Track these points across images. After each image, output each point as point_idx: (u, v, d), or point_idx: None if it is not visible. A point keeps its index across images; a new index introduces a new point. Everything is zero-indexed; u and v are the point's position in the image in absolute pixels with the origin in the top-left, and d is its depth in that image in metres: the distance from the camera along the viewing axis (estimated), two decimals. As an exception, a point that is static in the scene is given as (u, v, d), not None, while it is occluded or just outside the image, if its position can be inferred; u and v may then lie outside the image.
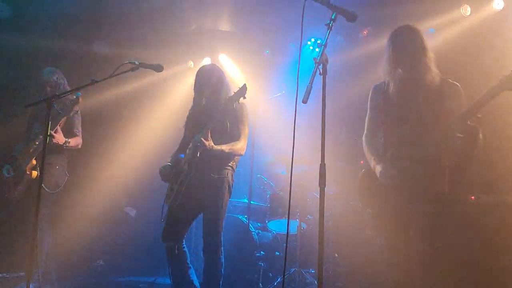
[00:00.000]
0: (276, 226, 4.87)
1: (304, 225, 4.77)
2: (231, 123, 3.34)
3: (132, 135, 6.07)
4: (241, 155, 3.39)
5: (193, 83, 3.52)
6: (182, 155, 3.41)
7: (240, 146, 3.32)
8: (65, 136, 3.97)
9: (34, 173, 3.96)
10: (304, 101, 1.88)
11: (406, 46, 2.65)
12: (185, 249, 3.37)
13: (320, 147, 1.99)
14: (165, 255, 3.33)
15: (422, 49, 2.65)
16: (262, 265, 4.51)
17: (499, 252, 3.58)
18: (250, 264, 4.53)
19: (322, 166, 1.94)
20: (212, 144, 3.16)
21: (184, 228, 3.39)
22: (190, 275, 3.33)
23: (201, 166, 3.21)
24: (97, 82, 3.06)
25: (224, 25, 6.10)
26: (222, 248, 3.28)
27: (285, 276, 4.35)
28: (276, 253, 4.72)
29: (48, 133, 2.81)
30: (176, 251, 3.28)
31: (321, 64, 2.01)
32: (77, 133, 4.14)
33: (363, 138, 2.92)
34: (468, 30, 4.67)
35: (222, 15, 5.68)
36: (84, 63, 5.78)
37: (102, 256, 5.49)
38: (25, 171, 3.95)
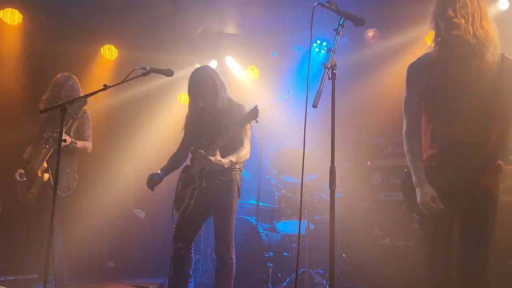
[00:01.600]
0: (284, 227, 4.91)
1: (312, 226, 4.81)
2: (231, 128, 3.29)
3: (140, 137, 6.15)
4: (247, 158, 3.40)
5: (188, 89, 3.46)
6: (182, 161, 3.52)
7: (246, 151, 3.34)
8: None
9: (46, 176, 4.05)
10: (315, 106, 1.92)
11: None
12: (192, 254, 3.40)
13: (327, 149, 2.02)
14: (173, 255, 3.33)
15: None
16: (271, 265, 4.55)
17: (506, 250, 3.61)
18: (259, 264, 4.58)
19: (332, 169, 1.98)
20: (220, 158, 3.15)
21: (195, 231, 3.43)
22: (188, 285, 3.33)
23: (209, 175, 3.24)
24: (109, 87, 3.12)
25: (230, 28, 6.16)
26: (233, 248, 3.31)
27: (294, 277, 4.39)
28: (285, 253, 4.77)
29: (63, 139, 2.86)
30: (183, 252, 3.30)
31: (330, 69, 2.04)
32: (87, 138, 4.25)
33: (403, 134, 2.43)
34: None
35: (228, 18, 5.73)
36: (93, 67, 5.88)
37: (112, 258, 5.57)
38: (37, 174, 4.04)
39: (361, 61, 5.48)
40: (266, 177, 5.32)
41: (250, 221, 4.81)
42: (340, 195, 4.84)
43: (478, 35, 2.18)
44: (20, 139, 5.01)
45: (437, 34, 2.31)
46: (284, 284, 4.42)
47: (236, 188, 3.40)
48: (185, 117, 3.61)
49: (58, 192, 3.85)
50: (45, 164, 4.05)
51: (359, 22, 2.26)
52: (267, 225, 5.04)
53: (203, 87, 3.37)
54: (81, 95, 4.06)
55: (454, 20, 2.17)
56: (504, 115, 2.21)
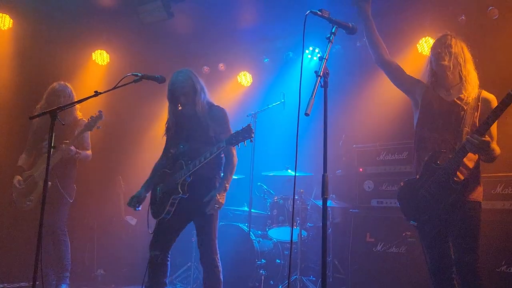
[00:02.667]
0: (276, 234, 4.89)
1: (304, 233, 4.80)
2: (217, 133, 3.31)
3: (131, 144, 6.12)
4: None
5: (167, 95, 3.41)
6: (161, 167, 3.45)
7: (235, 158, 3.34)
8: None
9: (49, 184, 3.92)
10: (307, 114, 1.91)
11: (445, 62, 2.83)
12: (168, 262, 3.35)
13: (318, 154, 2.01)
14: (149, 262, 3.29)
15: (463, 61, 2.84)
16: (263, 273, 4.53)
17: (499, 256, 3.63)
18: (251, 272, 4.55)
19: (325, 178, 1.97)
20: (223, 194, 3.20)
21: (173, 239, 3.37)
22: None
23: (192, 188, 3.21)
24: (100, 94, 3.09)
25: (223, 34, 6.15)
26: (218, 255, 3.27)
27: (286, 284, 4.37)
28: (277, 261, 4.75)
29: (52, 145, 2.82)
30: (160, 260, 3.26)
31: (323, 78, 2.04)
32: (87, 147, 4.35)
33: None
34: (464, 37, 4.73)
35: (220, 24, 5.72)
36: (84, 72, 5.85)
37: (103, 265, 5.50)
38: (38, 182, 4.13)
39: (353, 67, 5.50)
40: (259, 183, 5.31)
41: (242, 228, 4.79)
42: (332, 202, 4.84)
43: (460, 73, 2.84)
44: (10, 144, 4.97)
45: (430, 67, 2.95)
46: (276, 291, 4.40)
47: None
48: (165, 123, 3.54)
49: (67, 198, 4.16)
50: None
51: (351, 31, 2.27)
52: (259, 232, 5.02)
53: (183, 90, 3.33)
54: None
55: (441, 54, 2.83)
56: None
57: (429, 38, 5.00)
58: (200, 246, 3.28)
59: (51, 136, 2.88)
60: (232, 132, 3.25)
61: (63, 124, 3.37)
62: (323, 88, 2.06)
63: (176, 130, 3.44)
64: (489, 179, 3.84)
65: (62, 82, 4.36)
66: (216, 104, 3.43)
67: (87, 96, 3.07)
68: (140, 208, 3.46)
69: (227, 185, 3.25)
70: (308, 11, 2.13)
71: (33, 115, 3.04)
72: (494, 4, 4.55)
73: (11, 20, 5.07)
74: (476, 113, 2.77)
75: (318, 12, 2.16)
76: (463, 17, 4.75)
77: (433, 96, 2.90)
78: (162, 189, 3.36)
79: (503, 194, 3.80)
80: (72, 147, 4.11)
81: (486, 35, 4.60)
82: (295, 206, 4.70)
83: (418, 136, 2.94)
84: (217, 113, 3.35)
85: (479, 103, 2.78)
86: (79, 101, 3.12)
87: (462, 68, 2.83)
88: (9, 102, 5.09)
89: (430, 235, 2.82)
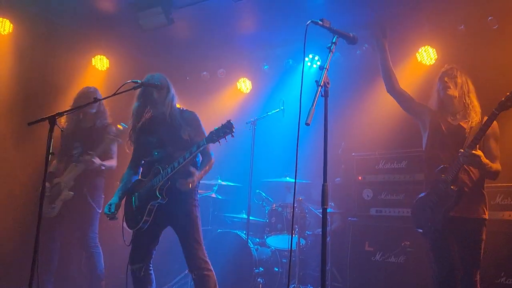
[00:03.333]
0: (275, 242, 4.87)
1: (303, 241, 4.78)
2: (191, 136, 3.23)
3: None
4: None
5: (137, 96, 3.33)
6: (135, 177, 3.35)
7: (212, 159, 3.28)
8: (100, 158, 4.21)
9: (69, 194, 4.15)
10: (307, 124, 1.91)
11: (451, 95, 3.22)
12: (151, 271, 3.26)
13: (316, 162, 2.00)
14: (131, 279, 3.19)
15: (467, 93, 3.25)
16: (261, 281, 4.50)
17: (498, 267, 3.61)
18: (249, 280, 4.52)
19: (325, 188, 1.96)
20: (196, 176, 3.09)
21: (153, 248, 3.28)
22: None
23: (169, 193, 3.14)
24: (99, 100, 3.09)
25: (222, 40, 6.16)
26: (207, 259, 3.13)
27: (284, 293, 4.35)
28: (275, 269, 4.72)
29: (50, 151, 2.80)
30: (142, 273, 3.16)
31: (323, 87, 2.04)
32: (113, 156, 4.36)
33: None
34: (464, 46, 4.75)
35: (220, 31, 5.73)
36: (84, 77, 5.83)
37: (89, 277, 5.44)
38: (63, 190, 4.17)
39: (353, 76, 5.50)
40: (257, 191, 5.29)
41: (240, 236, 4.76)
42: (331, 210, 4.82)
43: (464, 101, 3.21)
44: (8, 149, 4.95)
45: (438, 95, 3.31)
46: (274, 300, 4.37)
47: (196, 199, 3.29)
48: (129, 133, 3.43)
49: (96, 209, 4.22)
50: (72, 183, 4.17)
51: (352, 41, 2.27)
52: (257, 239, 4.99)
53: (156, 86, 3.21)
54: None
55: (448, 84, 3.22)
56: None
57: (429, 47, 5.01)
58: (188, 254, 3.13)
59: (50, 141, 2.86)
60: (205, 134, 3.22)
61: (62, 130, 3.38)
62: (323, 98, 2.05)
63: (146, 138, 3.33)
64: (488, 189, 3.80)
65: (91, 86, 4.37)
66: (185, 108, 3.38)
67: (86, 103, 3.08)
68: (117, 218, 3.31)
69: (201, 173, 3.15)
70: (309, 21, 2.13)
71: (32, 121, 3.01)
72: (493, 14, 4.57)
73: (11, 25, 5.06)
74: (477, 136, 3.01)
75: (319, 22, 2.16)
76: (462, 27, 4.76)
77: (441, 120, 3.24)
78: (139, 197, 3.24)
79: (502, 204, 3.80)
80: (96, 159, 4.15)
81: (486, 45, 4.62)
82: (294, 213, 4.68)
83: (428, 155, 3.25)
84: (189, 116, 3.29)
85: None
86: (79, 108, 3.11)
87: (466, 97, 3.20)
88: (9, 107, 5.07)
89: (436, 244, 3.10)
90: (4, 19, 5.02)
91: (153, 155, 3.27)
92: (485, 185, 3.23)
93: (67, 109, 3.39)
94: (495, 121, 3.01)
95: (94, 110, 4.31)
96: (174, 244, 3.34)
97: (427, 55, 5.03)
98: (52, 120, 2.86)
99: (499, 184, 3.82)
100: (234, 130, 2.88)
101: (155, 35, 5.51)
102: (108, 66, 5.91)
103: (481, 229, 3.04)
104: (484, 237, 3.03)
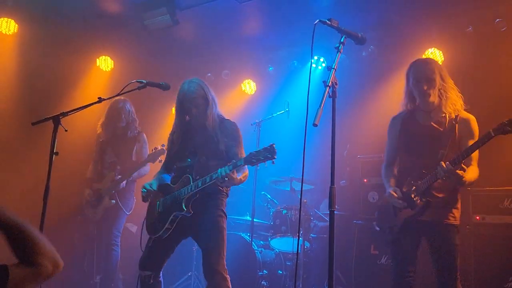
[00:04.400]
0: (279, 244, 4.83)
1: (307, 244, 4.73)
2: (228, 146, 3.07)
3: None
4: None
5: (176, 106, 3.22)
6: (167, 179, 3.20)
7: (247, 172, 3.07)
8: (135, 161, 4.57)
9: (111, 202, 4.45)
10: (315, 125, 1.87)
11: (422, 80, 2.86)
12: (161, 279, 3.13)
13: (321, 164, 1.97)
14: (139, 284, 3.08)
15: (438, 80, 2.87)
16: (265, 284, 4.46)
17: (506, 272, 3.56)
18: (252, 283, 4.48)
19: (332, 190, 1.93)
20: (235, 175, 2.86)
21: (166, 258, 3.13)
22: None
23: (196, 205, 2.97)
24: (103, 100, 3.07)
25: (227, 42, 6.14)
26: (226, 275, 2.95)
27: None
28: (279, 272, 4.68)
29: (55, 151, 2.78)
30: (151, 280, 3.02)
31: (331, 87, 2.01)
32: (147, 164, 4.56)
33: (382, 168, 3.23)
34: (471, 49, 4.70)
35: (225, 32, 5.72)
36: (88, 78, 5.83)
37: (101, 272, 5.43)
38: (104, 197, 4.48)
39: (359, 77, 5.47)
40: (262, 192, 5.25)
41: (244, 238, 4.72)
42: (336, 212, 4.77)
43: (441, 97, 2.86)
44: (11, 149, 4.94)
45: (408, 91, 3.00)
46: (278, 303, 4.33)
47: (223, 209, 3.12)
48: (169, 135, 3.34)
49: (124, 210, 4.50)
50: (113, 191, 4.47)
51: (360, 41, 2.24)
52: (261, 242, 4.96)
53: (195, 101, 3.09)
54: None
55: (427, 91, 2.83)
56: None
57: (435, 49, 4.97)
58: (206, 264, 2.93)
59: (54, 141, 2.84)
60: (243, 146, 3.13)
61: (66, 130, 3.34)
62: (331, 98, 2.02)
63: (182, 143, 3.21)
64: (496, 193, 3.79)
65: (122, 98, 4.41)
66: (227, 118, 3.23)
67: (90, 102, 3.06)
68: (147, 200, 3.21)
69: (238, 178, 2.92)
70: (317, 20, 2.09)
71: (36, 121, 2.99)
72: (502, 16, 4.53)
73: (16, 25, 5.07)
74: (453, 134, 2.82)
75: (327, 21, 2.13)
76: (470, 29, 4.72)
77: (410, 123, 2.99)
78: (163, 204, 3.12)
79: (509, 208, 3.74)
80: (123, 183, 4.45)
81: (494, 47, 4.58)
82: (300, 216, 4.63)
83: (400, 161, 3.09)
84: (229, 127, 3.13)
85: (456, 124, 2.82)
86: (83, 107, 3.08)
87: (443, 94, 2.85)
88: (14, 107, 5.07)
89: (393, 244, 3.00)
90: (9, 20, 5.03)
91: (186, 161, 3.13)
92: (468, 188, 3.24)
93: (71, 109, 3.38)
94: (472, 117, 2.85)
95: (123, 124, 4.58)
96: (178, 245, 3.29)
97: (433, 57, 4.98)
98: (56, 120, 2.86)
99: (507, 188, 3.78)
100: (275, 156, 2.67)
101: (160, 36, 5.50)
102: (112, 67, 5.90)
103: (452, 235, 2.81)
104: (457, 242, 2.80)
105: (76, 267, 5.11)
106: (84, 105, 3.07)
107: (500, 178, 3.87)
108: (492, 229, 3.71)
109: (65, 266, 4.83)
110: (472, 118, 2.86)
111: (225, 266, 2.96)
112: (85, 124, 4.58)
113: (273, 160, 2.68)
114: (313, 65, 5.84)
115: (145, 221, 3.20)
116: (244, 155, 3.07)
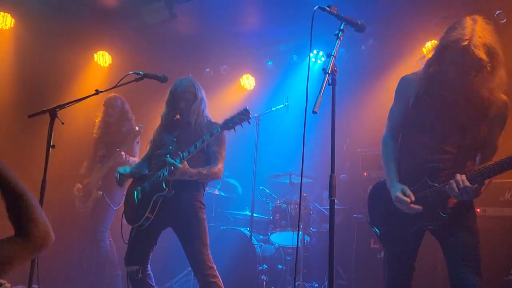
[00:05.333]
0: (279, 239, 4.80)
1: (307, 238, 4.71)
2: (210, 143, 3.07)
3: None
4: (218, 178, 3.17)
5: (166, 98, 3.32)
6: (146, 171, 3.23)
7: (218, 169, 3.10)
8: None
9: (99, 194, 4.45)
10: (315, 112, 1.84)
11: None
12: (149, 272, 3.14)
13: (320, 159, 1.95)
14: (129, 282, 3.07)
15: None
16: (265, 278, 4.44)
17: (507, 265, 3.55)
18: (252, 277, 4.46)
19: (332, 178, 1.90)
20: (188, 167, 2.91)
21: (151, 248, 3.15)
22: None
23: (176, 184, 3.00)
24: (100, 92, 3.04)
25: (226, 36, 6.11)
26: (212, 264, 2.99)
27: (288, 290, 4.29)
28: (279, 266, 4.66)
29: (51, 144, 2.76)
30: (140, 275, 3.03)
31: (331, 75, 1.97)
32: (135, 155, 4.59)
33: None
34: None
35: (224, 27, 5.68)
36: (86, 73, 5.80)
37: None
38: (92, 190, 4.48)
39: (358, 70, 5.44)
40: (261, 187, 5.23)
41: (244, 233, 4.70)
42: (336, 206, 4.75)
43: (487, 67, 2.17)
44: (9, 144, 4.91)
45: (442, 55, 2.29)
46: (278, 297, 4.31)
47: (202, 201, 3.15)
48: (154, 130, 3.40)
49: (111, 205, 4.46)
50: (99, 182, 4.47)
51: (360, 28, 2.21)
52: (261, 236, 4.93)
53: (184, 95, 3.22)
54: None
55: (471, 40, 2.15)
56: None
57: (435, 41, 4.92)
58: (190, 256, 2.99)
59: (50, 135, 2.82)
60: (225, 147, 3.16)
61: (63, 123, 3.32)
62: (331, 86, 1.99)
63: (164, 134, 3.28)
64: (497, 185, 3.76)
65: (113, 94, 4.64)
66: (214, 121, 3.26)
67: (87, 95, 3.03)
68: (121, 185, 3.32)
69: (192, 171, 2.94)
70: (317, 7, 2.07)
71: (32, 113, 2.96)
72: (501, 8, 4.50)
73: (13, 20, 5.03)
74: (484, 121, 2.25)
75: (327, 8, 2.10)
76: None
77: (428, 91, 2.31)
78: (142, 191, 3.13)
79: (510, 200, 3.72)
80: (123, 153, 4.42)
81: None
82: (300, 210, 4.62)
83: (405, 136, 2.47)
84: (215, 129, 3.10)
85: (493, 106, 2.23)
86: (80, 99, 3.06)
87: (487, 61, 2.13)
88: (10, 102, 5.04)
89: (395, 252, 2.49)
90: (6, 14, 4.99)
91: (167, 149, 3.16)
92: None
93: (67, 102, 3.35)
94: (510, 104, 2.28)
95: (113, 119, 4.60)
96: (175, 242, 3.25)
97: (433, 50, 4.96)
98: (53, 113, 2.83)
99: (508, 180, 3.75)
100: (250, 116, 2.78)
101: (158, 31, 5.47)
102: (110, 62, 5.87)
103: (472, 221, 2.34)
104: (477, 228, 2.33)
105: (75, 262, 5.10)
106: (81, 97, 3.04)
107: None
108: (493, 221, 3.68)
109: (63, 262, 4.83)
110: (508, 102, 2.29)
111: (210, 255, 3.01)
112: (82, 117, 4.55)
113: (248, 121, 2.78)
114: (313, 60, 5.83)
115: (124, 214, 3.21)
116: (224, 154, 3.17)
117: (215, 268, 3.01)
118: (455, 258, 2.27)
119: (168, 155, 2.95)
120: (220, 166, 3.13)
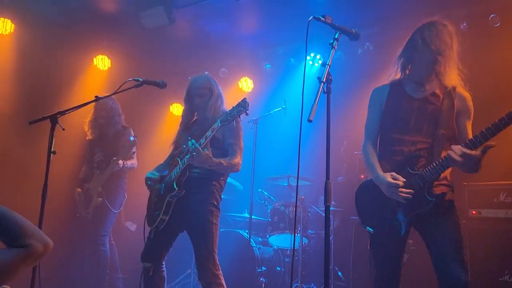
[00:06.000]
0: (277, 241, 4.85)
1: (305, 240, 4.76)
2: (225, 136, 3.11)
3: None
4: (237, 171, 3.14)
5: (184, 97, 3.32)
6: (165, 172, 3.21)
7: (237, 161, 3.09)
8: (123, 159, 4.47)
9: (99, 200, 4.43)
10: (310, 120, 1.90)
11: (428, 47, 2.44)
12: (163, 272, 3.15)
13: (318, 161, 1.99)
14: (142, 276, 3.10)
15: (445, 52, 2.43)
16: (264, 280, 4.49)
17: (502, 266, 3.60)
18: (251, 279, 4.51)
19: (328, 185, 1.95)
20: (210, 155, 2.90)
21: (166, 250, 3.17)
22: None
23: (188, 185, 3.01)
24: (100, 99, 3.08)
25: (224, 40, 6.15)
26: (218, 272, 2.96)
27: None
28: (277, 268, 4.71)
29: (52, 150, 2.79)
30: (151, 273, 3.05)
31: (326, 83, 2.03)
32: (133, 156, 4.58)
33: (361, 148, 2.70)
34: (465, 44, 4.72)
35: (222, 30, 5.73)
36: (85, 77, 5.83)
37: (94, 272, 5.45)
38: (93, 197, 4.46)
39: (354, 75, 5.49)
40: (259, 190, 5.27)
41: (242, 235, 4.75)
42: (333, 208, 4.80)
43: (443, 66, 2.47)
44: (9, 149, 4.95)
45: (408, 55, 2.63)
46: (277, 299, 4.36)
47: (215, 203, 3.10)
48: (177, 132, 3.41)
49: (111, 209, 4.45)
50: (99, 189, 4.46)
51: (354, 37, 2.26)
52: (259, 239, 4.98)
53: (199, 91, 3.21)
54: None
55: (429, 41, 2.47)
56: None
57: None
58: (199, 264, 2.97)
59: (51, 140, 2.85)
60: (242, 139, 3.15)
61: (64, 129, 3.36)
62: (326, 94, 2.04)
63: (182, 134, 3.30)
64: (491, 187, 3.82)
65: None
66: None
67: (88, 101, 3.08)
68: (151, 190, 3.26)
69: (214, 160, 2.92)
70: (311, 17, 2.11)
71: (33, 120, 3.00)
72: (496, 12, 4.56)
73: (13, 25, 5.06)
74: (451, 112, 2.45)
75: (321, 18, 2.14)
76: (465, 24, 4.74)
77: (400, 95, 2.55)
78: (157, 193, 3.17)
79: (506, 202, 3.77)
80: (120, 161, 4.40)
81: (488, 43, 4.60)
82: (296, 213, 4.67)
83: (381, 142, 2.63)
84: (232, 124, 3.06)
85: (454, 100, 2.46)
86: (80, 106, 3.09)
87: (446, 60, 2.43)
88: (11, 107, 5.07)
89: (387, 246, 2.51)
90: (6, 19, 5.02)
91: (182, 148, 3.15)
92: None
93: (68, 108, 3.40)
94: (468, 95, 2.52)
95: (105, 121, 4.55)
96: (176, 243, 3.30)
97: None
98: (54, 119, 2.86)
99: (503, 182, 3.81)
100: (248, 107, 2.80)
101: (157, 34, 5.51)
102: (109, 65, 5.90)
103: (453, 211, 2.46)
104: (458, 219, 2.45)
105: (76, 266, 5.13)
106: (82, 103, 3.08)
107: (495, 173, 3.90)
108: (488, 223, 3.74)
109: (64, 266, 4.88)
110: (469, 96, 2.52)
111: (217, 261, 2.99)
112: (82, 123, 4.58)
113: (246, 111, 2.81)
114: (310, 62, 5.87)
115: (146, 215, 3.26)
116: (241, 146, 3.16)
117: (221, 275, 2.97)
118: (441, 252, 2.36)
119: (191, 141, 2.88)
120: (239, 158, 3.12)
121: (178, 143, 3.32)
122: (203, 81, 3.26)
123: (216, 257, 2.99)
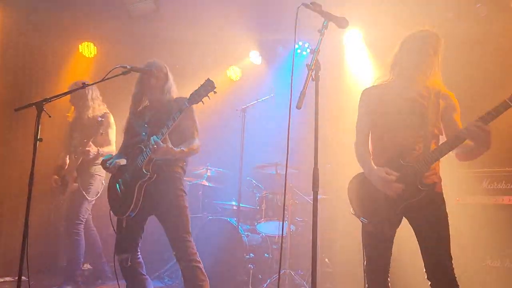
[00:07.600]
0: (265, 228, 4.89)
1: (293, 227, 4.81)
2: (181, 119, 3.04)
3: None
4: (197, 153, 3.19)
5: (135, 83, 3.31)
6: (122, 158, 3.20)
7: (197, 144, 3.15)
8: (99, 145, 4.33)
9: (76, 185, 4.34)
10: (298, 107, 1.91)
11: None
12: (139, 259, 3.18)
13: (306, 149, 2.01)
14: (120, 269, 3.13)
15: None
16: (252, 267, 4.53)
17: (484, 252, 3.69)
18: (239, 266, 4.55)
19: (316, 171, 1.97)
20: (171, 146, 2.94)
21: (140, 237, 3.20)
22: (147, 286, 3.17)
23: (156, 169, 3.05)
24: (87, 86, 3.05)
25: (212, 28, 6.11)
26: (195, 251, 3.06)
27: (275, 278, 4.39)
28: (265, 255, 4.75)
29: (38, 138, 2.77)
30: (129, 262, 3.08)
31: (314, 70, 2.04)
32: (110, 142, 4.45)
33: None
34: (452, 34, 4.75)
35: (209, 18, 5.68)
36: (71, 64, 5.76)
37: (90, 260, 5.44)
38: (69, 182, 4.34)
39: (343, 60, 5.52)
40: (248, 178, 5.29)
41: (230, 222, 4.77)
42: (321, 196, 4.85)
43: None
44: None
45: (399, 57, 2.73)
46: (265, 285, 4.41)
47: (182, 188, 3.18)
48: (127, 119, 3.37)
49: (87, 197, 4.34)
50: (75, 173, 4.33)
51: (342, 24, 2.26)
52: (248, 226, 5.02)
53: (157, 73, 3.20)
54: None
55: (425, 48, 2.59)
56: None
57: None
58: (172, 243, 3.05)
59: (37, 127, 2.82)
60: (197, 121, 3.18)
61: (50, 116, 3.33)
62: (314, 81, 2.05)
63: (136, 121, 3.28)
64: (474, 174, 3.90)
65: (78, 81, 4.28)
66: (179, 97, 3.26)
67: (75, 88, 3.05)
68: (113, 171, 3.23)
69: (175, 150, 2.97)
70: (300, 4, 2.12)
71: (19, 107, 2.96)
72: (482, 1, 4.59)
73: (-4, 11, 4.97)
74: (438, 110, 2.60)
75: (310, 5, 2.15)
76: (451, 14, 4.77)
77: (389, 95, 2.66)
78: (124, 182, 3.15)
79: (488, 189, 3.85)
80: (91, 147, 4.23)
81: (474, 32, 4.64)
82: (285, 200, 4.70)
83: (376, 137, 2.70)
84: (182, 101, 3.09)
85: (440, 99, 2.60)
86: (66, 93, 3.07)
87: (433, 64, 2.60)
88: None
89: (380, 236, 2.58)
90: (-11, 5, 4.92)
91: (141, 136, 3.17)
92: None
93: (54, 95, 3.36)
94: (452, 93, 2.66)
95: (83, 105, 4.41)
96: (163, 232, 3.32)
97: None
98: (39, 106, 2.83)
99: (486, 169, 3.89)
100: (215, 86, 2.82)
101: (143, 22, 5.45)
102: (95, 53, 5.83)
103: (442, 204, 2.58)
104: (446, 214, 2.56)
105: (62, 255, 5.13)
106: (68, 91, 3.05)
107: (479, 160, 3.96)
108: (471, 209, 3.82)
109: (52, 254, 4.87)
110: (452, 94, 2.68)
111: (193, 243, 3.08)
112: (69, 110, 4.52)
113: (214, 90, 2.84)
114: (299, 51, 5.87)
115: (110, 208, 3.23)
116: (198, 129, 3.20)
117: (198, 254, 3.09)
118: (430, 245, 2.49)
119: (153, 137, 2.92)
120: (197, 141, 3.17)
121: (133, 131, 3.28)
122: (160, 65, 3.28)
123: (192, 238, 3.10)
